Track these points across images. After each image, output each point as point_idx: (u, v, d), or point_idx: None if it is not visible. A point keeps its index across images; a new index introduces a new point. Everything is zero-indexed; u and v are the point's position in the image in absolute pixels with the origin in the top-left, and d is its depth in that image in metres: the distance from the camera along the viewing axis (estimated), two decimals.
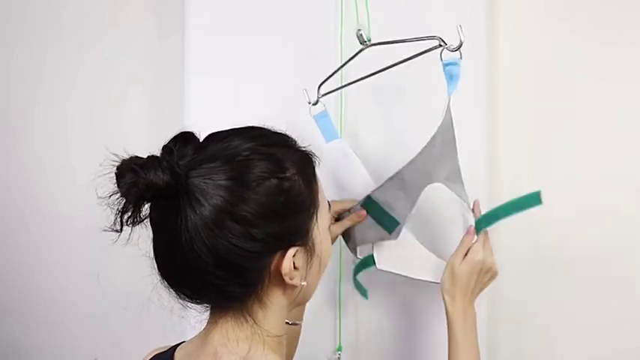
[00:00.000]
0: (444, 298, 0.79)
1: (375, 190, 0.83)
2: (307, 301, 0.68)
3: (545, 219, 1.05)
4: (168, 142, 0.59)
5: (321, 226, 0.62)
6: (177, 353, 0.66)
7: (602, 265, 1.02)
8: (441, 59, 0.72)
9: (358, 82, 0.98)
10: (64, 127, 1.27)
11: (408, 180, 0.79)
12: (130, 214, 0.56)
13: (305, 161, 0.61)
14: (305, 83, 0.93)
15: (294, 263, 0.58)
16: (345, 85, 0.92)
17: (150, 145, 1.36)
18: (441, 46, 0.72)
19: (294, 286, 0.60)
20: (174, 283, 0.60)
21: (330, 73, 0.89)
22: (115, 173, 0.56)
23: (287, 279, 0.58)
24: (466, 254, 0.78)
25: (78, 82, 1.26)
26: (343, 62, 0.89)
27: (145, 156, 0.57)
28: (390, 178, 0.80)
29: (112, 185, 0.58)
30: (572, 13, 1.02)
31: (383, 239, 0.86)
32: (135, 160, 0.56)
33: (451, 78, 0.76)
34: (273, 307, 0.60)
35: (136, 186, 0.54)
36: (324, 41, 1.01)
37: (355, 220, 0.86)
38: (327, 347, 1.04)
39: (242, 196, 0.54)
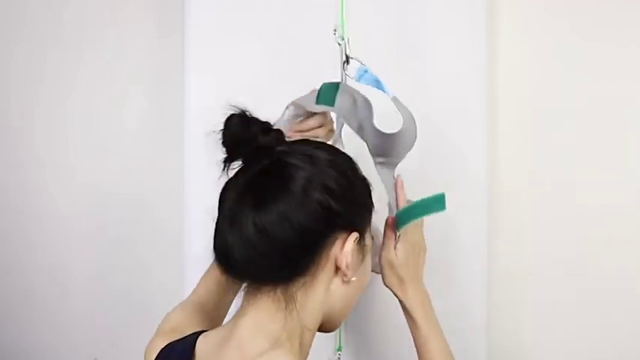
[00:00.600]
0: (395, 294, 0.76)
1: (345, 85, 0.80)
2: (339, 321, 0.69)
3: (545, 219, 1.05)
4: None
5: (369, 240, 0.68)
6: (200, 344, 0.65)
7: (602, 263, 1.02)
8: (350, 77, 0.76)
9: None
10: (64, 127, 1.27)
11: (364, 126, 0.78)
12: (225, 159, 0.62)
13: (366, 180, 0.68)
14: (305, 83, 0.92)
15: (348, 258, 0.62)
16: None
17: (150, 145, 1.38)
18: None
19: (339, 283, 0.63)
20: (233, 251, 0.61)
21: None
22: (226, 120, 0.62)
23: (343, 265, 0.61)
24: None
25: (78, 82, 1.26)
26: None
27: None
28: (366, 103, 0.77)
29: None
30: (572, 13, 1.02)
31: (306, 106, 0.80)
32: (247, 114, 0.62)
33: (374, 83, 0.76)
34: (314, 297, 0.62)
35: (242, 135, 0.61)
36: (324, 41, 1.01)
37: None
38: (327, 347, 1.04)
39: (327, 174, 0.61)
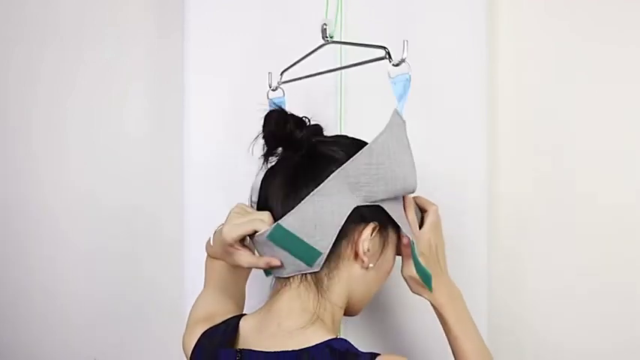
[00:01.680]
0: (424, 297, 0.75)
1: (286, 217, 0.65)
2: (362, 304, 0.73)
3: (545, 219, 1.05)
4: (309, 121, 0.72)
5: (393, 241, 0.72)
6: (243, 325, 0.70)
7: (603, 263, 1.02)
8: (389, 76, 0.69)
9: (358, 79, 0.98)
10: (64, 127, 1.27)
11: (335, 193, 0.65)
12: (266, 152, 0.70)
13: None
14: (305, 82, 0.93)
15: (368, 248, 0.67)
16: (307, 77, 0.89)
17: (150, 145, 1.37)
18: (386, 58, 0.70)
19: (359, 268, 0.68)
20: None
21: (293, 62, 0.88)
22: (265, 116, 0.68)
23: (360, 251, 0.67)
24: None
25: (78, 82, 1.26)
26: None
27: None
28: (310, 197, 0.65)
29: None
30: (572, 13, 1.02)
31: (300, 271, 0.67)
32: (284, 111, 0.69)
33: (397, 93, 0.69)
34: (338, 280, 0.68)
35: (279, 129, 0.67)
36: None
37: (264, 266, 0.68)
38: None
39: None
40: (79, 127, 1.27)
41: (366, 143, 0.69)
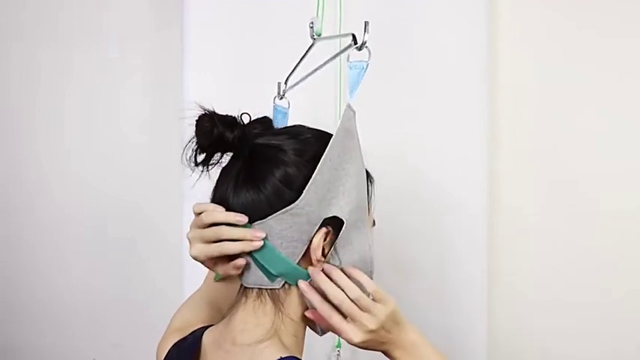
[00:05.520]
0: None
1: (259, 223, 0.61)
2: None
3: (545, 221, 1.05)
4: (249, 117, 0.67)
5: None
6: (206, 337, 0.68)
7: (604, 269, 1.02)
8: (348, 59, 0.66)
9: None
10: (62, 126, 1.27)
11: (305, 213, 0.61)
12: (202, 158, 0.64)
13: None
14: (304, 82, 0.92)
15: (323, 249, 0.62)
16: (305, 77, 0.88)
17: (150, 145, 1.37)
18: (352, 45, 0.67)
19: None
20: None
21: (293, 68, 0.87)
22: (196, 120, 0.62)
23: (314, 257, 0.61)
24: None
25: (76, 81, 1.26)
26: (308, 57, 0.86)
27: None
28: (284, 212, 0.60)
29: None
30: (573, 13, 1.02)
31: (262, 285, 0.63)
32: (216, 114, 0.63)
33: (351, 80, 0.66)
34: (296, 292, 0.63)
35: (210, 135, 0.61)
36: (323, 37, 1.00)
37: (234, 272, 0.64)
38: (327, 344, 1.04)
39: (298, 165, 0.61)
40: (77, 129, 1.27)
41: (325, 133, 0.65)
